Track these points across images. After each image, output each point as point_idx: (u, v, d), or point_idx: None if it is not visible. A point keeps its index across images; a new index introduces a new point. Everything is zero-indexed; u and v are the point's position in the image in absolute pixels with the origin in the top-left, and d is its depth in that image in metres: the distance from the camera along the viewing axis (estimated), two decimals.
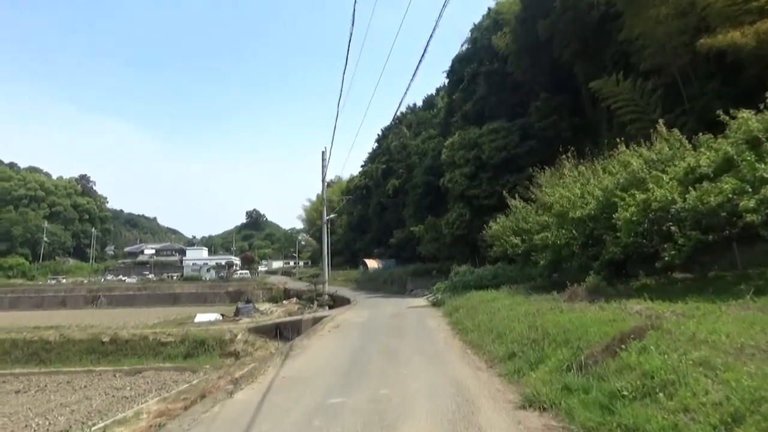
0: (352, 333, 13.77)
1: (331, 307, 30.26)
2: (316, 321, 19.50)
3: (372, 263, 56.83)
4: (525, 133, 31.11)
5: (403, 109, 78.42)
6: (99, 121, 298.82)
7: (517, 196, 21.00)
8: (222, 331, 20.34)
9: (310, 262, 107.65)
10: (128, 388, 14.75)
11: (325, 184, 29.31)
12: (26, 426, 10.15)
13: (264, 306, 40.24)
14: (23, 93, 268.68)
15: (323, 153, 30.01)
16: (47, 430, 10.02)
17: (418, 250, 41.35)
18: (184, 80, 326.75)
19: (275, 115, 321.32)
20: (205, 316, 26.96)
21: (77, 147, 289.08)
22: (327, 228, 31.67)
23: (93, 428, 9.50)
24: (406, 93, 18.02)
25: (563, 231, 14.67)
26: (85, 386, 15.28)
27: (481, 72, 37.82)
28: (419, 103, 76.03)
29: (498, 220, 21.00)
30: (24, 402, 13.15)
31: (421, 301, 26.70)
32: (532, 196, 19.13)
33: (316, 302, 28.75)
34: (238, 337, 20.00)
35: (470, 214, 31.94)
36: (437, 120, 54.28)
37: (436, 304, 22.53)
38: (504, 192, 22.73)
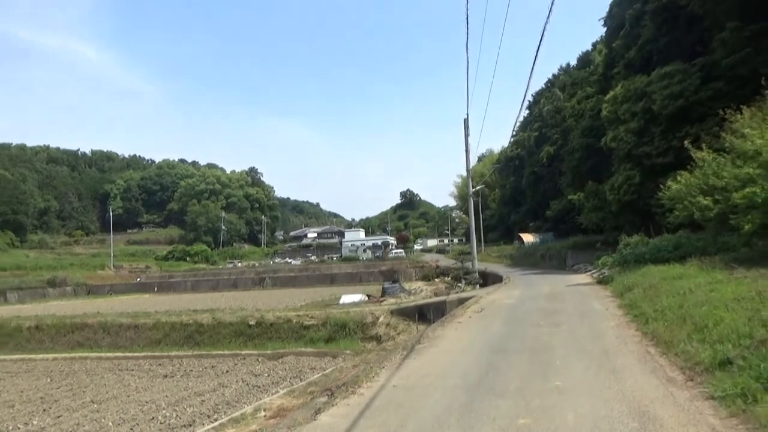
0: (496, 319, 11.68)
1: (481, 286, 28.23)
2: (461, 302, 17.67)
3: (528, 237, 53.43)
4: (707, 75, 25.65)
5: (554, 70, 72.66)
6: (270, 119, 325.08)
7: (704, 147, 16.86)
8: (363, 313, 19.41)
9: (464, 239, 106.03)
10: (266, 374, 14.33)
11: (469, 153, 27.07)
12: (152, 419, 9.81)
13: (415, 285, 39.39)
14: (206, 99, 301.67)
15: (465, 121, 27.81)
16: (169, 423, 9.52)
17: (578, 221, 37.30)
18: (341, 73, 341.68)
19: (427, 96, 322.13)
20: (350, 297, 26.55)
21: (248, 143, 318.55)
22: (473, 202, 29.42)
23: (206, 428, 8.71)
24: (541, 40, 15.12)
25: None
26: (227, 371, 15.23)
27: (646, 11, 32.25)
28: (573, 62, 69.10)
29: (679, 178, 17.08)
30: (166, 388, 13.28)
31: (583, 278, 23.47)
32: (726, 145, 15.04)
33: (463, 281, 26.89)
34: (380, 319, 18.91)
35: (640, 176, 27.45)
36: (594, 77, 48.83)
37: (602, 281, 19.34)
38: (686, 143, 18.52)
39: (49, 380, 15.76)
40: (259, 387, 12.77)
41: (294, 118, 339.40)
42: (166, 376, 15.15)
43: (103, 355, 19.19)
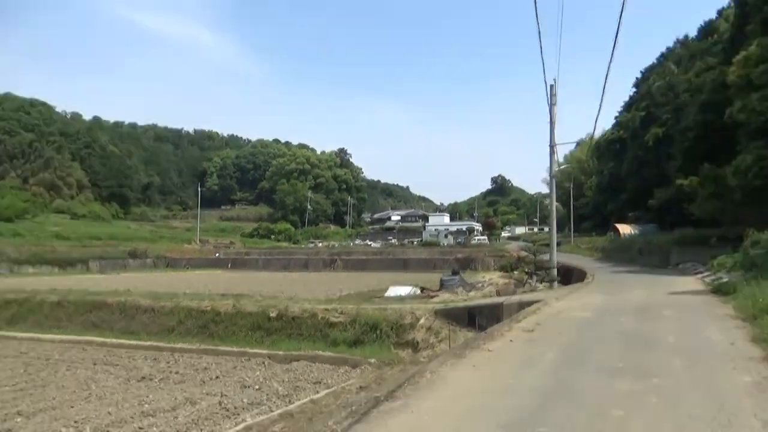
0: (549, 350, 7.46)
1: (562, 283, 23.71)
2: (522, 307, 13.70)
3: (624, 228, 47.19)
4: None
5: (669, 44, 64.18)
6: (368, 101, 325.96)
7: None
8: (402, 312, 15.92)
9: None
10: (256, 387, 11.67)
11: (554, 125, 22.40)
12: None
13: (489, 275, 35.05)
14: (300, 81, 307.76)
15: (551, 87, 23.12)
16: None
17: (688, 212, 31.33)
18: (440, 55, 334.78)
19: (524, 78, 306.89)
20: (399, 290, 22.90)
21: (341, 124, 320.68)
22: (561, 187, 24.78)
23: None
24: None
25: None
26: (216, 377, 12.80)
27: None
28: (692, 34, 60.05)
29: None
30: (125, 399, 11.00)
31: (691, 283, 18.37)
32: None
33: (535, 277, 22.51)
34: (420, 321, 15.34)
35: None
36: (719, 47, 41.54)
37: (718, 290, 14.38)
38: None
39: (22, 371, 13.78)
40: (229, 410, 9.94)
41: (388, 100, 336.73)
42: (143, 379, 12.67)
43: (107, 340, 17.18)
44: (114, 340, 17.17)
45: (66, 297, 21.80)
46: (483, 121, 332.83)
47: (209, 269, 58.70)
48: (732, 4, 40.54)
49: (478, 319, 14.63)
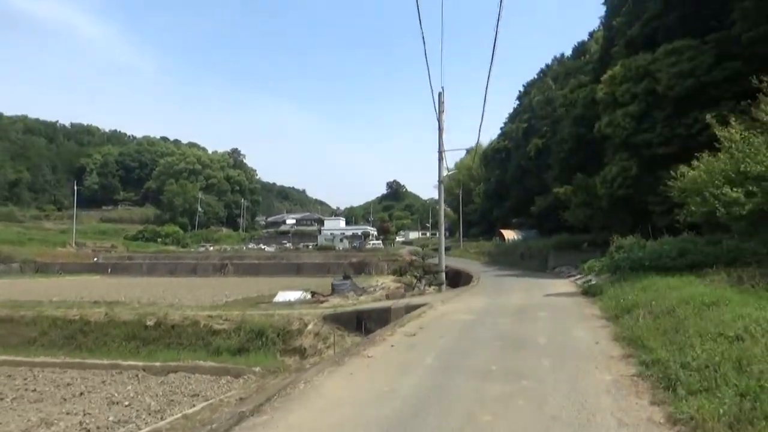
0: (429, 354, 7.58)
1: (452, 286, 24.41)
2: (409, 310, 13.83)
3: (509, 234, 49.81)
4: (722, 52, 21.88)
5: (548, 60, 69.04)
6: (263, 102, 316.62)
7: (733, 122, 12.97)
8: (290, 318, 15.50)
9: (447, 233, 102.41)
10: (125, 403, 10.62)
11: (442, 132, 23.02)
12: None
13: (382, 280, 35.37)
14: (196, 76, 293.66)
15: (439, 95, 23.79)
16: None
17: (563, 218, 33.59)
18: (335, 59, 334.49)
19: (418, 85, 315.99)
20: (287, 295, 22.41)
21: (235, 125, 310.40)
22: (445, 192, 25.54)
23: None
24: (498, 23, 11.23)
25: None
26: (80, 394, 11.55)
27: None
28: (568, 53, 65.12)
29: (700, 162, 13.22)
30: None
31: (565, 285, 19.67)
32: (765, 118, 11.18)
33: (423, 280, 23.03)
34: (308, 327, 14.99)
35: (637, 167, 23.70)
36: (590, 66, 45.24)
37: (588, 291, 15.47)
38: (709, 118, 14.67)
39: None
40: (90, 431, 8.97)
41: (285, 102, 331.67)
42: None
43: None
44: None
45: None
46: (380, 126, 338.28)
47: (86, 275, 54.08)
48: (601, 27, 44.24)
49: (367, 324, 14.56)
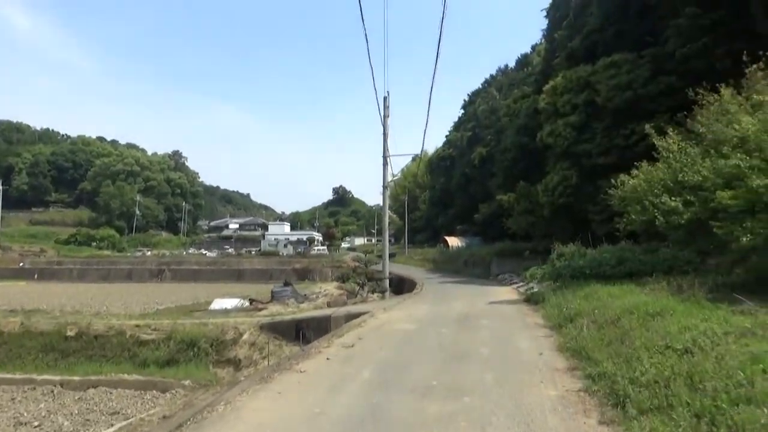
0: (366, 368, 7.13)
1: (396, 293, 24.09)
2: (350, 318, 13.34)
3: (453, 241, 50.11)
4: (658, 67, 22.67)
5: (492, 71, 70.42)
6: (205, 103, 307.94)
7: (670, 131, 13.21)
8: (225, 327, 14.66)
9: (392, 240, 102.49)
10: (34, 423, 9.47)
11: (387, 137, 22.73)
12: None
13: (326, 286, 34.62)
14: (134, 75, 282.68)
15: (385, 99, 23.51)
16: None
17: (506, 226, 33.97)
18: (280, 61, 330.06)
19: (365, 92, 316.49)
20: (224, 302, 21.40)
21: (176, 126, 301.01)
22: (391, 198, 25.21)
23: None
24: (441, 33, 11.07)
25: None
26: None
27: None
28: (512, 64, 66.58)
29: (639, 171, 13.38)
30: None
31: (508, 293, 19.70)
32: (702, 130, 11.37)
33: (366, 287, 22.62)
34: (244, 337, 14.22)
35: (577, 177, 24.17)
36: (532, 78, 46.33)
37: (530, 299, 15.46)
38: (648, 128, 14.96)
39: None
40: None
41: (230, 104, 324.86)
42: None
43: None
44: None
45: None
46: (327, 131, 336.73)
47: (10, 281, 50.36)
48: (543, 40, 45.42)
49: (306, 333, 13.95)
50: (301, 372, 6.94)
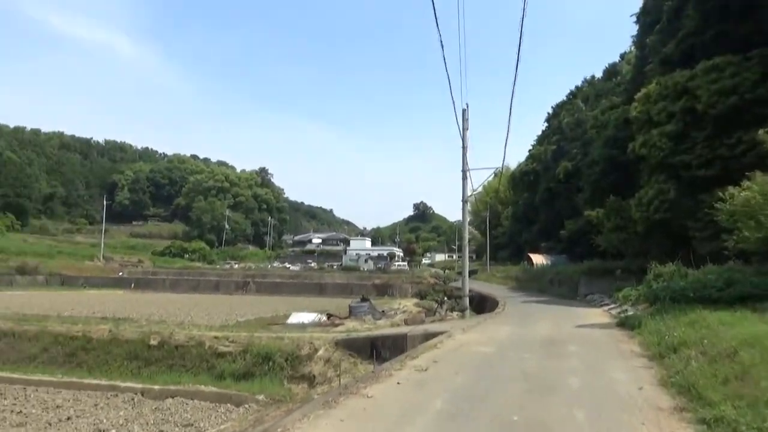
0: (437, 397, 6.53)
1: (479, 312, 23.33)
2: (428, 337, 12.90)
3: (537, 258, 48.21)
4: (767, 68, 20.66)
5: (578, 82, 67.81)
6: (292, 121, 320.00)
7: None
8: (300, 342, 14.57)
9: (474, 256, 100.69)
10: (112, 431, 9.57)
11: (466, 150, 22.14)
12: None
13: (405, 302, 34.21)
14: (226, 95, 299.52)
15: (463, 112, 22.98)
16: None
17: (595, 243, 32.11)
18: (366, 79, 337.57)
19: (444, 107, 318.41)
20: (301, 317, 21.42)
21: (263, 144, 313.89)
22: (470, 214, 24.57)
23: None
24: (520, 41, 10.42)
25: None
26: (68, 418, 10.78)
27: (689, 0, 27.35)
28: (598, 74, 63.69)
29: (752, 182, 12.01)
30: None
31: (598, 315, 18.34)
32: None
33: (445, 305, 21.94)
34: (319, 353, 14.05)
35: (675, 190, 22.32)
36: (621, 87, 44.05)
37: (624, 323, 14.21)
38: (762, 134, 13.46)
39: None
40: None
41: (315, 122, 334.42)
42: None
43: None
44: None
45: None
46: (409, 147, 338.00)
47: (109, 289, 54.33)
48: (632, 48, 43.18)
49: (381, 351, 13.60)
50: (368, 397, 6.54)
